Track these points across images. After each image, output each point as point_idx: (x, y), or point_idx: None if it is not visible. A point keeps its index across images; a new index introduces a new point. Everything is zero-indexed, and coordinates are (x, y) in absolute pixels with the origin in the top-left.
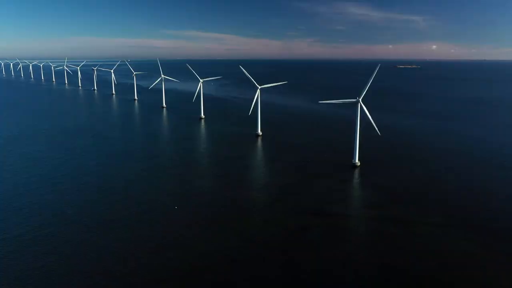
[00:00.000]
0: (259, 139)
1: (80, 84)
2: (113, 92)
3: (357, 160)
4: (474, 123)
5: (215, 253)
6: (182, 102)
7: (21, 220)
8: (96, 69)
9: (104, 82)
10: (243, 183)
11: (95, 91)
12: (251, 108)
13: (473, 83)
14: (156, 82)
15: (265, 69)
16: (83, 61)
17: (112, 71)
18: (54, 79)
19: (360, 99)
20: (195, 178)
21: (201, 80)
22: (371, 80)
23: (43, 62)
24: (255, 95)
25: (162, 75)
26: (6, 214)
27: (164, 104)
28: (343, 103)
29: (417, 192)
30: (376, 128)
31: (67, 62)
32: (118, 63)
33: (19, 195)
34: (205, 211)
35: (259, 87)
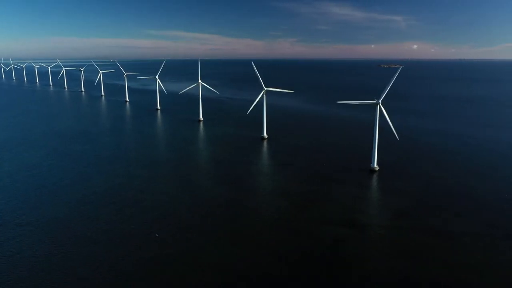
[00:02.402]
0: (265, 142)
1: (66, 85)
2: (102, 93)
3: (375, 165)
4: (475, 123)
5: (247, 271)
6: (177, 104)
7: (27, 238)
8: (83, 70)
9: (90, 83)
10: (259, 190)
11: (83, 92)
12: (251, 107)
13: (456, 83)
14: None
15: (248, 68)
16: (63, 61)
17: (100, 72)
18: (37, 80)
19: (379, 102)
20: (207, 186)
21: (200, 82)
22: (391, 83)
23: (25, 62)
24: (258, 96)
25: (157, 77)
26: (10, 233)
27: (158, 106)
28: (361, 104)
29: (444, 198)
30: (395, 132)
31: (47, 62)
32: (93, 63)
33: (19, 209)
34: (227, 224)
35: (265, 89)
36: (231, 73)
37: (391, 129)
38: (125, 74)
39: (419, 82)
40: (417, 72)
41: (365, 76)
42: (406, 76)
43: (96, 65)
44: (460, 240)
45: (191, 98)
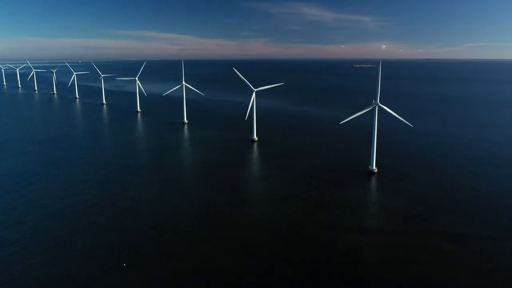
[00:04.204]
0: (256, 145)
1: (36, 88)
2: (77, 96)
3: (374, 167)
4: (456, 122)
5: (265, 283)
6: (157, 106)
7: (19, 257)
8: (55, 71)
9: (63, 85)
10: (260, 196)
11: (55, 95)
12: (248, 113)
13: (429, 82)
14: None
15: (222, 69)
16: (32, 63)
17: (74, 73)
18: (5, 83)
19: (378, 102)
20: (205, 193)
21: (184, 83)
22: (379, 81)
23: None
24: (250, 98)
25: (137, 78)
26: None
27: (138, 108)
28: (364, 113)
29: (447, 199)
30: (406, 122)
31: (14, 63)
32: (67, 64)
33: (1, 223)
34: (234, 235)
35: (255, 90)
36: (206, 73)
37: (401, 121)
38: (102, 75)
39: (396, 82)
40: (390, 72)
41: (342, 76)
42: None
43: (64, 66)
44: (475, 244)
45: (172, 100)
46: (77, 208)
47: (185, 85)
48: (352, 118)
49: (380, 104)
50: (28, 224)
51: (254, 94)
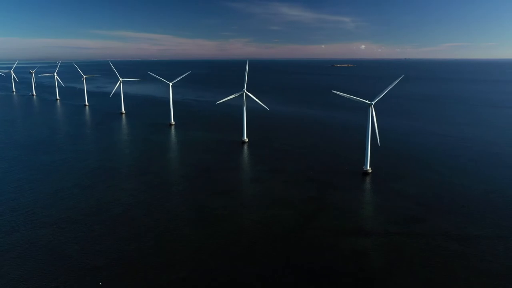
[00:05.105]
0: (247, 146)
1: (14, 89)
2: (58, 97)
3: (368, 167)
4: (443, 121)
5: None
6: (142, 107)
7: (9, 268)
8: (34, 72)
9: (42, 86)
10: (256, 199)
11: (34, 96)
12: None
13: (412, 82)
14: (116, 85)
15: (202, 69)
16: (5, 63)
17: (55, 74)
18: None
19: (373, 103)
20: (201, 197)
21: (170, 83)
22: (390, 87)
23: None
24: (242, 100)
25: (120, 78)
26: None
27: (123, 110)
28: (356, 100)
29: (442, 198)
30: (378, 138)
31: None
32: (44, 65)
33: None
34: (235, 240)
35: (244, 90)
36: (191, 74)
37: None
38: (84, 76)
39: (378, 82)
40: (371, 72)
41: (325, 76)
42: (358, 74)
43: (41, 66)
44: (479, 244)
45: (157, 101)
46: (69, 216)
47: (172, 86)
48: (344, 96)
49: (373, 107)
50: (17, 234)
51: (244, 94)
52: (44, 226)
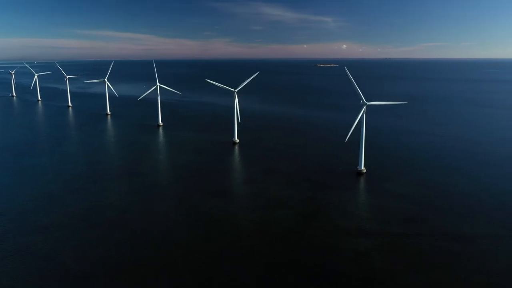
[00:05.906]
0: (238, 147)
1: None
2: (39, 98)
3: (362, 167)
4: (431, 121)
5: None
6: (128, 108)
7: (0, 279)
8: (14, 73)
9: (22, 87)
10: (252, 200)
11: (14, 97)
12: (236, 115)
13: (385, 80)
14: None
15: (184, 69)
16: None
17: (36, 74)
18: None
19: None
20: (195, 199)
21: (158, 84)
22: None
23: None
24: (234, 100)
25: (106, 80)
26: None
27: (108, 111)
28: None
29: (438, 198)
30: (349, 135)
31: None
32: (26, 65)
33: None
34: (235, 243)
35: (235, 90)
36: (172, 74)
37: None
38: (67, 76)
39: (362, 81)
40: (354, 72)
41: (309, 75)
42: (340, 74)
43: (20, 66)
44: (478, 243)
45: (142, 101)
46: (61, 222)
47: (159, 86)
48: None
49: (365, 107)
50: (7, 242)
51: (235, 95)
52: (35, 232)
